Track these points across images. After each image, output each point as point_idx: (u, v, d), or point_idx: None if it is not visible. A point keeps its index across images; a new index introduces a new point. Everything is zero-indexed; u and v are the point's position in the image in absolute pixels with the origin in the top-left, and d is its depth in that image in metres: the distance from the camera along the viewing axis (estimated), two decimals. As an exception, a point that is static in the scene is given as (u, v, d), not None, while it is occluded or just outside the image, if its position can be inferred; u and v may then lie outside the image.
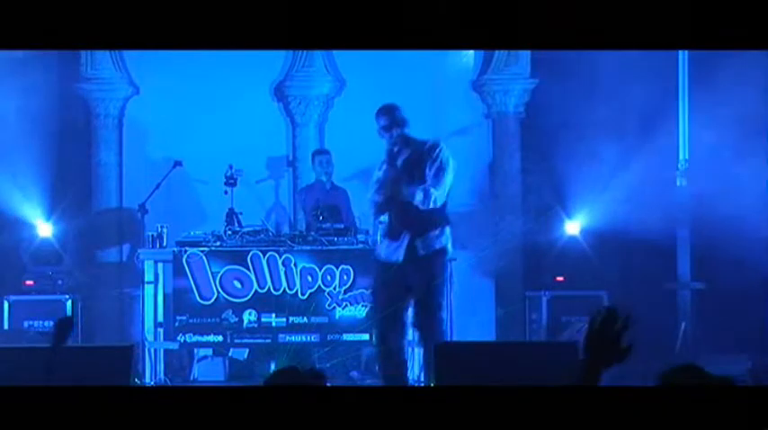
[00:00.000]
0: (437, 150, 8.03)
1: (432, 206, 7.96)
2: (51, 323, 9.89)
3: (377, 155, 10.84)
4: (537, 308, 10.34)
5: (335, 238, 9.33)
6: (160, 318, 9.43)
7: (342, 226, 9.47)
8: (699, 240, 10.29)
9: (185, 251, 9.27)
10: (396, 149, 8.11)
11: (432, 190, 7.94)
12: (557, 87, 10.67)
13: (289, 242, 9.41)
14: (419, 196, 7.94)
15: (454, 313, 10.05)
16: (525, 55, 10.91)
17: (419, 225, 8.01)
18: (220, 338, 9.31)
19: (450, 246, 8.16)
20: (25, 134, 10.42)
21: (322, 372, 5.86)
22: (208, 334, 9.32)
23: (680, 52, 10.37)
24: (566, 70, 10.51)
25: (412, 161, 8.07)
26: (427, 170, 7.99)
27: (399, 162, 8.11)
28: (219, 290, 9.27)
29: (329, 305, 9.27)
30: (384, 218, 9.34)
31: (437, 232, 8.05)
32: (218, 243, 9.33)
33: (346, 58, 10.91)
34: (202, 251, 9.28)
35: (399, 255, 8.03)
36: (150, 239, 9.49)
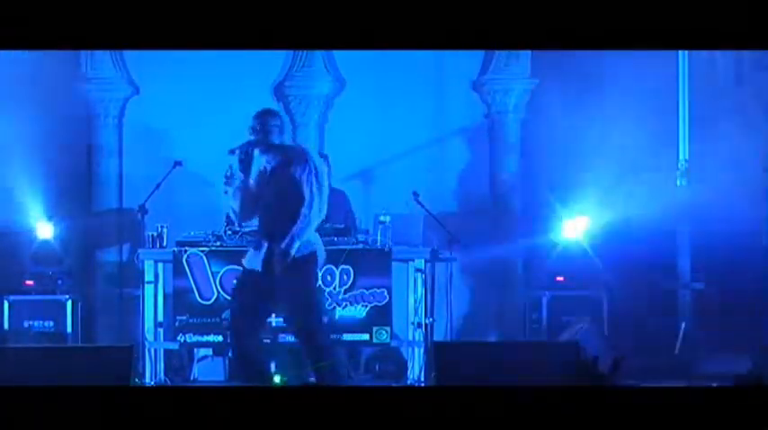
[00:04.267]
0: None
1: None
2: (51, 323, 9.98)
3: (377, 154, 10.91)
4: (537, 308, 10.33)
5: (335, 238, 9.31)
6: (160, 318, 9.41)
7: (342, 226, 9.46)
8: (699, 240, 10.27)
9: (185, 251, 9.26)
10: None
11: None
12: (557, 87, 10.67)
13: (289, 242, 9.39)
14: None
15: (454, 313, 10.06)
16: (525, 55, 10.90)
17: None
18: (220, 338, 9.30)
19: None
20: (25, 134, 10.42)
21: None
22: (208, 334, 9.31)
23: (680, 52, 10.36)
24: (566, 70, 10.51)
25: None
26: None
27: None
28: (219, 290, 9.26)
29: (329, 305, 9.27)
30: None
31: None
32: (218, 243, 9.32)
33: (346, 58, 10.90)
34: (202, 251, 9.27)
35: None
36: (150, 239, 9.48)
